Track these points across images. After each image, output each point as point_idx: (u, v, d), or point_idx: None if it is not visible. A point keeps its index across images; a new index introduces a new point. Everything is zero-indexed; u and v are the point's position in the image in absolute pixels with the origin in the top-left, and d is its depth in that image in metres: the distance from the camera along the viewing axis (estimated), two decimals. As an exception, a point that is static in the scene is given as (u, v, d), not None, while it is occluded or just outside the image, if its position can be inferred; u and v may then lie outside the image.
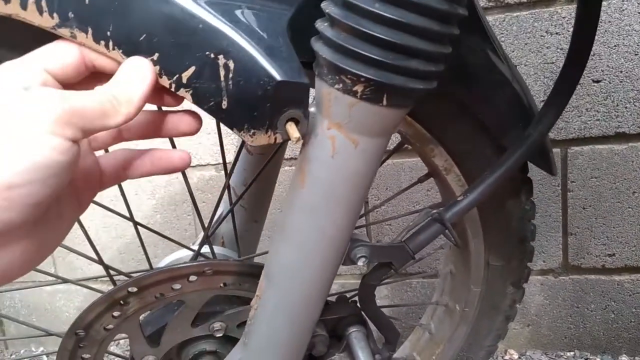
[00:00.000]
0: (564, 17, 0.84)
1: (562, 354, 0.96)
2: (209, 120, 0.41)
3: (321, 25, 0.31)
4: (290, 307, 0.38)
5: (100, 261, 0.45)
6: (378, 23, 0.28)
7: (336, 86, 0.30)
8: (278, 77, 0.29)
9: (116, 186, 0.36)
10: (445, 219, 0.43)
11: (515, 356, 0.96)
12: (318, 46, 0.31)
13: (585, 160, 0.89)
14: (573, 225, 0.93)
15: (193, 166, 1.03)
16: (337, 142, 0.32)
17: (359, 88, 0.29)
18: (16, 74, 0.26)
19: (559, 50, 0.85)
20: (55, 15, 0.28)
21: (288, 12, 0.31)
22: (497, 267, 0.58)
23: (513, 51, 0.87)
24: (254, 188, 0.56)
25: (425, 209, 0.52)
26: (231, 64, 0.29)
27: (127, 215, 0.48)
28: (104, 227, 1.08)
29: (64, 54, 0.28)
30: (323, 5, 0.30)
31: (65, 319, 1.17)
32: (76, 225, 0.45)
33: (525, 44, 0.87)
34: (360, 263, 0.41)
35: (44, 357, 1.09)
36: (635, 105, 0.85)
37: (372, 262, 0.43)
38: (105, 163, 0.32)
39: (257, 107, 0.29)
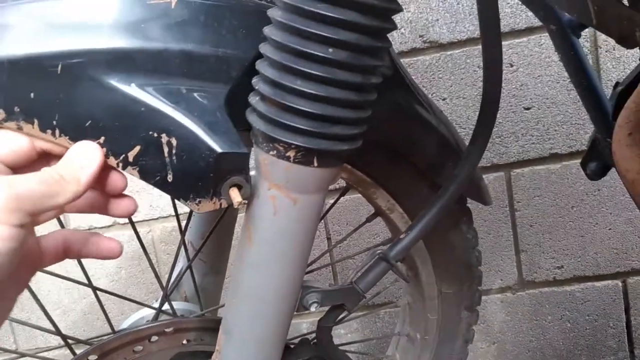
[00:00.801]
0: (491, 53, 0.92)
1: (526, 367, 1.00)
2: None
3: (253, 99, 0.34)
4: (249, 359, 0.40)
5: (57, 332, 0.46)
6: (302, 97, 0.32)
7: (271, 152, 0.33)
8: (218, 149, 0.32)
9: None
10: (390, 257, 0.46)
11: (484, 375, 0.99)
12: (252, 118, 0.34)
13: (527, 181, 0.96)
14: (523, 242, 0.98)
15: (155, 218, 1.04)
16: (277, 202, 0.35)
17: (291, 154, 0.33)
18: None
19: (490, 83, 0.92)
20: (1, 111, 0.30)
21: (224, 89, 0.34)
22: (449, 294, 0.61)
23: (451, 86, 0.94)
24: (212, 240, 0.58)
25: (375, 247, 0.55)
26: (174, 141, 0.32)
27: (85, 281, 0.49)
28: (65, 290, 1.06)
29: (13, 141, 0.30)
30: (253, 82, 0.34)
31: (28, 388, 1.12)
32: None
33: (461, 79, 0.94)
34: (312, 309, 0.43)
35: None
36: (563, 128, 0.93)
37: (325, 306, 0.45)
38: (45, 243, 0.33)
39: (200, 178, 0.32)
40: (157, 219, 1.03)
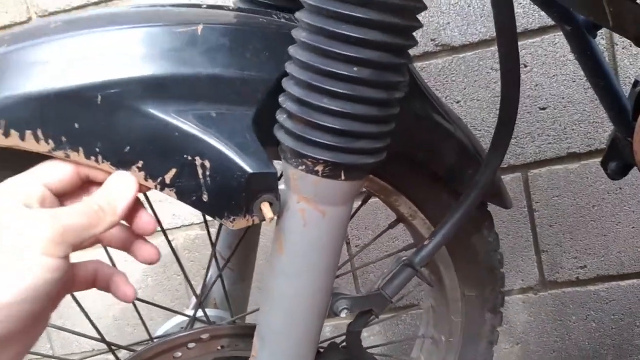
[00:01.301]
0: (505, 55, 0.92)
1: (551, 367, 0.99)
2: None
3: (281, 117, 0.36)
4: (283, 363, 0.42)
5: (102, 339, 0.48)
6: (328, 114, 0.33)
7: (300, 167, 0.35)
8: (249, 169, 0.34)
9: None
10: (415, 263, 0.47)
11: (509, 376, 1.00)
12: (280, 135, 0.36)
13: (545, 181, 0.96)
14: (544, 242, 0.98)
15: (177, 227, 1.06)
16: (306, 214, 0.36)
17: (319, 168, 0.34)
18: (17, 190, 0.30)
19: (505, 84, 0.93)
20: (50, 141, 0.32)
21: (250, 111, 0.36)
22: (472, 297, 0.62)
23: (464, 88, 0.95)
24: (239, 250, 0.60)
25: (397, 252, 0.56)
26: (207, 163, 0.34)
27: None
28: (99, 295, 1.08)
29: (59, 171, 0.33)
30: (280, 100, 0.35)
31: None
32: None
33: (475, 81, 0.94)
34: (343, 315, 0.44)
35: None
36: (580, 127, 0.93)
37: (355, 311, 0.47)
38: (77, 270, 0.35)
39: (233, 197, 0.34)
40: (179, 227, 1.05)
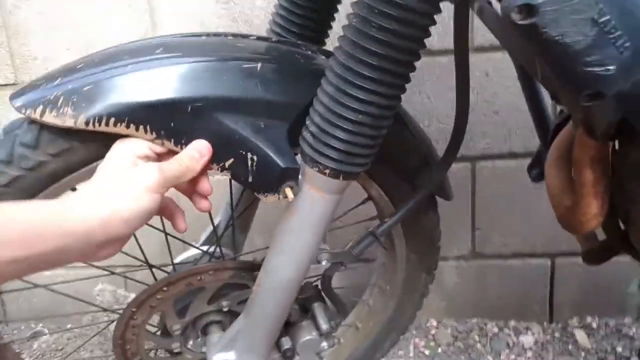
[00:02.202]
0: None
1: (468, 320, 1.25)
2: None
3: (306, 133, 0.53)
4: (279, 291, 0.61)
5: (145, 261, 0.66)
6: (337, 140, 0.50)
7: (314, 168, 0.53)
8: (282, 165, 0.51)
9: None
10: (377, 233, 0.67)
11: (435, 323, 1.25)
12: (304, 145, 0.53)
13: (489, 172, 1.17)
14: (479, 221, 1.21)
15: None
16: (314, 197, 0.55)
17: (327, 171, 0.52)
18: (132, 149, 0.48)
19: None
20: (154, 133, 0.48)
21: (286, 125, 0.53)
22: (414, 260, 0.83)
23: (436, 87, 1.11)
24: (246, 212, 0.78)
25: (365, 221, 0.76)
26: (255, 158, 0.51)
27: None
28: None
29: None
30: (307, 123, 0.52)
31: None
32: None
33: (446, 82, 1.11)
34: (323, 263, 0.64)
35: (46, 330, 1.24)
36: (523, 132, 1.13)
37: (330, 262, 0.66)
38: None
39: (269, 182, 0.52)
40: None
